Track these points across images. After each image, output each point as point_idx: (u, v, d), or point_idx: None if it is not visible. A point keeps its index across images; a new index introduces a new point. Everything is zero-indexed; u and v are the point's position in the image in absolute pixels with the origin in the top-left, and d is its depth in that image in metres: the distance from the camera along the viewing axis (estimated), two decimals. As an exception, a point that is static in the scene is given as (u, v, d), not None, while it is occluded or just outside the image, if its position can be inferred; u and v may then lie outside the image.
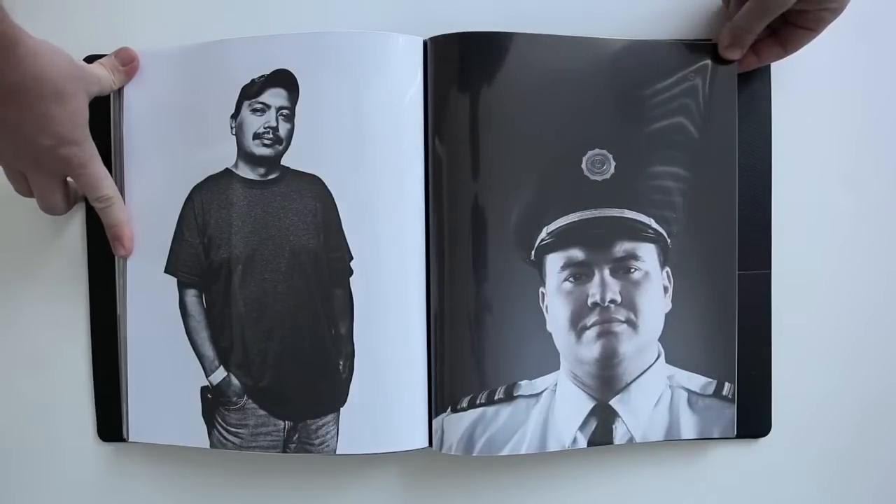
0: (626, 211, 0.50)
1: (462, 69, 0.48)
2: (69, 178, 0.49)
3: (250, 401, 0.50)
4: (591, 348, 0.49)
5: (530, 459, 0.53)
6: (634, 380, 0.50)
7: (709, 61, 0.50)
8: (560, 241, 0.49)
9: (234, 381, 0.50)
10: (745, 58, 0.50)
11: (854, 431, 0.54)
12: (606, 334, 0.49)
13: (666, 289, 0.50)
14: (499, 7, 0.52)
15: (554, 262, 0.49)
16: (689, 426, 0.50)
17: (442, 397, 0.49)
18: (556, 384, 0.49)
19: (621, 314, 0.49)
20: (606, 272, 0.49)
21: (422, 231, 0.49)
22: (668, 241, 0.50)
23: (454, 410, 0.49)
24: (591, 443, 0.49)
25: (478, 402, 0.48)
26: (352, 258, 0.49)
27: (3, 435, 0.54)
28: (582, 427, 0.49)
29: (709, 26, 0.53)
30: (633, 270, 0.49)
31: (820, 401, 0.54)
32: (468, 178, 0.48)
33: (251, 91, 0.49)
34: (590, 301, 0.49)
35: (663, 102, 0.50)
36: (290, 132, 0.49)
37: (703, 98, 0.50)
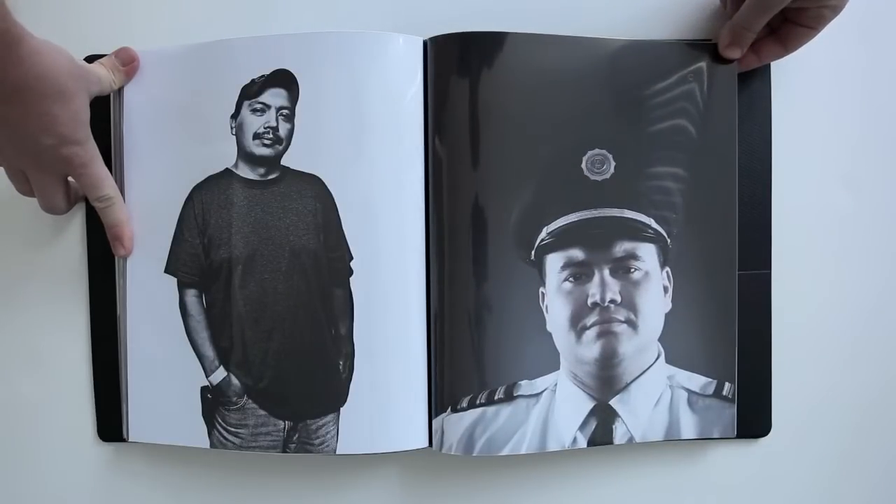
0: (626, 211, 0.50)
1: (462, 69, 0.48)
2: (70, 178, 0.49)
3: (250, 401, 0.50)
4: (591, 348, 0.49)
5: (530, 459, 0.53)
6: (634, 380, 0.50)
7: (707, 61, 0.50)
8: (560, 241, 0.49)
9: (234, 381, 0.50)
10: (745, 57, 0.50)
11: (854, 431, 0.54)
12: (606, 334, 0.49)
13: (666, 289, 0.50)
14: (499, 6, 0.52)
15: (554, 262, 0.49)
16: (689, 426, 0.50)
17: (442, 397, 0.49)
18: (555, 384, 0.49)
19: (621, 314, 0.49)
20: (606, 272, 0.49)
21: (422, 231, 0.49)
22: (668, 241, 0.50)
23: (454, 410, 0.49)
24: (590, 443, 0.49)
25: (478, 402, 0.48)
26: (352, 258, 0.49)
27: (3, 435, 0.54)
28: (582, 427, 0.49)
29: (708, 26, 0.53)
30: (633, 270, 0.49)
31: (820, 401, 0.54)
32: (468, 178, 0.48)
33: (251, 91, 0.49)
34: (590, 301, 0.49)
35: (664, 103, 0.50)
36: (290, 132, 0.49)
37: (702, 98, 0.50)
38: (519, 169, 0.48)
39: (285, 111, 0.49)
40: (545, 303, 0.49)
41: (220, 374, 0.50)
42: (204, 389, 0.50)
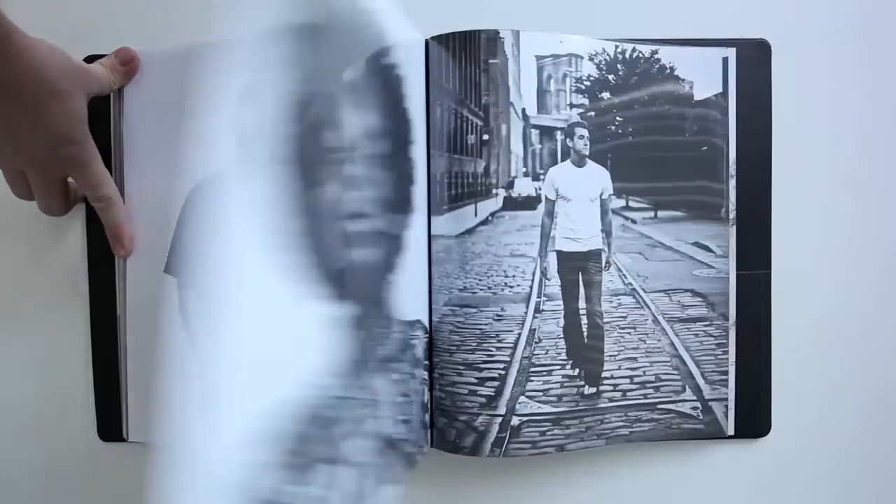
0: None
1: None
2: (69, 179, 0.49)
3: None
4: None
5: (528, 460, 0.53)
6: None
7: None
8: None
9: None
10: None
11: (854, 432, 0.55)
12: None
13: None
14: (499, 5, 0.52)
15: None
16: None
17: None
18: None
19: None
20: None
21: (425, 232, 0.49)
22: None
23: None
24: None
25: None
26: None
27: (3, 434, 0.54)
28: None
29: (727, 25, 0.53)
30: None
31: (820, 401, 0.54)
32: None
33: (251, 91, 0.49)
34: None
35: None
36: None
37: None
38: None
39: None
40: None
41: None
42: (204, 390, 0.50)
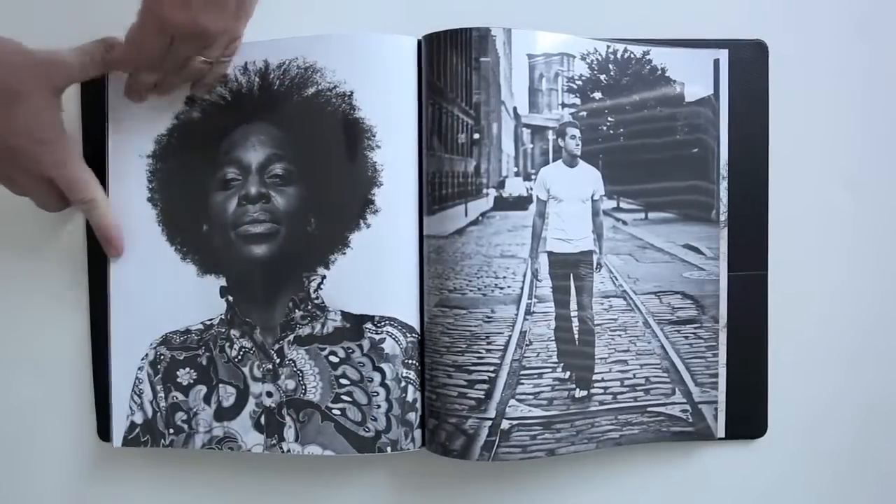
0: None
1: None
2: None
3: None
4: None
5: (519, 463, 0.52)
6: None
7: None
8: None
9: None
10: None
11: (850, 433, 0.54)
12: None
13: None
14: (494, 4, 0.52)
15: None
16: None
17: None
18: None
19: None
20: None
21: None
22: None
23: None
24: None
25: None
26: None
27: (3, 434, 0.54)
28: None
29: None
30: None
31: (816, 402, 0.54)
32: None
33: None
34: None
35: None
36: None
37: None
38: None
39: None
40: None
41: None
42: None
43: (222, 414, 0.50)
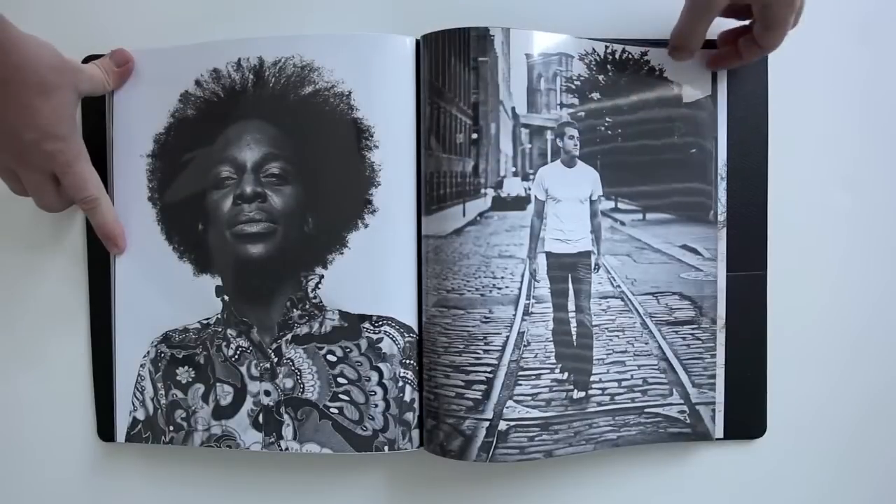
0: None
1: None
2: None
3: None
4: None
5: (517, 464, 0.52)
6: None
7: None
8: None
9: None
10: (726, 58, 0.50)
11: (850, 433, 0.54)
12: None
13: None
14: (493, 4, 0.52)
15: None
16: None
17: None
18: None
19: None
20: None
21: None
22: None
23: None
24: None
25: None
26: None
27: (3, 434, 0.54)
28: None
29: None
30: None
31: (815, 402, 0.54)
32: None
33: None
34: None
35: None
36: None
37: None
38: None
39: None
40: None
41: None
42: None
43: (220, 412, 0.50)
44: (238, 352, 0.50)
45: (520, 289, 0.49)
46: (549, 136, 0.50)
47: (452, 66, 0.48)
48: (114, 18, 0.53)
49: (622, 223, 0.51)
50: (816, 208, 0.54)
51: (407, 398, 0.50)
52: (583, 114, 0.50)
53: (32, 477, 0.54)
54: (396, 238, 0.49)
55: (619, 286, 0.51)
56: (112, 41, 0.51)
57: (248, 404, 0.50)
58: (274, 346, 0.50)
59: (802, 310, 0.54)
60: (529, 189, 0.49)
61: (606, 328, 0.51)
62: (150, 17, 0.53)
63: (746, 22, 0.48)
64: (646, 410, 0.51)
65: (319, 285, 0.49)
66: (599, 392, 0.50)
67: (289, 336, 0.50)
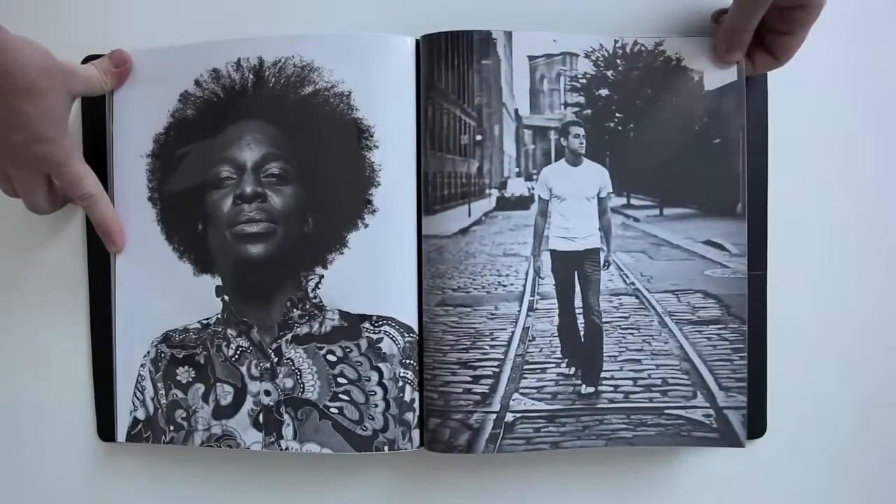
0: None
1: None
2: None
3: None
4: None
5: (519, 459, 0.53)
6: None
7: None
8: None
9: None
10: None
11: (850, 432, 0.54)
12: None
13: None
14: (494, 6, 0.52)
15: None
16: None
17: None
18: None
19: None
20: None
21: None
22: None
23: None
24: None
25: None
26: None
27: (3, 435, 0.54)
28: None
29: (705, 22, 0.51)
30: None
31: (816, 402, 0.54)
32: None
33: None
34: None
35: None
36: None
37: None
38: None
39: None
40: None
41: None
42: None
43: (220, 412, 0.50)
44: (238, 352, 0.50)
45: (524, 286, 0.50)
46: (552, 135, 0.50)
47: (455, 68, 0.48)
48: (113, 18, 0.53)
49: (635, 219, 0.50)
50: (816, 208, 0.53)
51: (407, 398, 0.50)
52: (589, 111, 0.50)
53: (33, 477, 0.54)
54: (396, 238, 0.49)
55: (632, 283, 0.50)
56: (111, 41, 0.50)
57: (249, 404, 0.50)
58: (274, 345, 0.50)
59: (802, 310, 0.53)
60: (533, 189, 0.50)
61: (619, 325, 0.50)
62: (149, 17, 0.53)
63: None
64: (665, 412, 0.50)
65: (319, 285, 0.49)
66: (611, 389, 0.50)
67: (289, 336, 0.50)
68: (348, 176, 0.49)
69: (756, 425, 0.52)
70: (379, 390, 0.50)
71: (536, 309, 0.50)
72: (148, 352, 0.52)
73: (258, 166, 0.49)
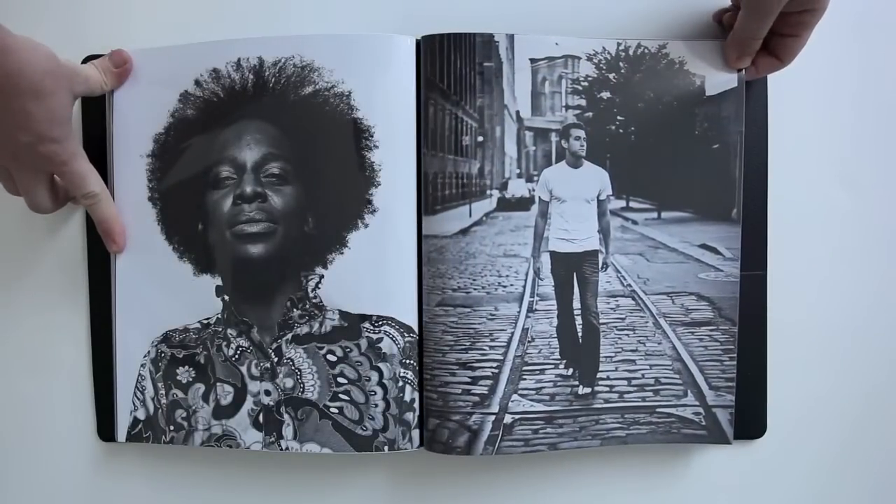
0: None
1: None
2: (56, 176, 0.49)
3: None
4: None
5: (520, 460, 0.53)
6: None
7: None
8: None
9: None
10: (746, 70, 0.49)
11: (849, 433, 0.54)
12: None
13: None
14: (494, 7, 0.52)
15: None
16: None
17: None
18: None
19: None
20: None
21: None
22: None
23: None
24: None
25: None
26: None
27: (3, 435, 0.54)
28: None
29: (708, 26, 0.52)
30: None
31: (815, 402, 0.54)
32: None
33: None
34: None
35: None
36: None
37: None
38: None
39: None
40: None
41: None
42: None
43: (220, 412, 0.50)
44: (238, 351, 0.50)
45: (524, 287, 0.50)
46: (553, 137, 0.50)
47: (457, 70, 0.48)
48: (113, 18, 0.53)
49: (634, 222, 0.51)
50: (815, 208, 0.53)
51: (407, 398, 0.50)
52: (591, 113, 0.50)
53: (33, 477, 0.54)
54: (396, 238, 0.49)
55: (629, 285, 0.51)
56: (112, 41, 0.50)
57: (249, 404, 0.50)
58: (274, 345, 0.50)
59: (802, 310, 0.53)
60: (533, 190, 0.50)
61: (615, 326, 0.51)
62: (149, 17, 0.53)
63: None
64: (657, 410, 0.51)
65: (319, 285, 0.49)
66: (607, 389, 0.51)
67: (289, 336, 0.50)
68: (348, 176, 0.49)
69: (756, 425, 0.53)
70: (379, 390, 0.50)
71: (536, 310, 0.50)
72: (148, 352, 0.52)
73: (258, 166, 0.49)
